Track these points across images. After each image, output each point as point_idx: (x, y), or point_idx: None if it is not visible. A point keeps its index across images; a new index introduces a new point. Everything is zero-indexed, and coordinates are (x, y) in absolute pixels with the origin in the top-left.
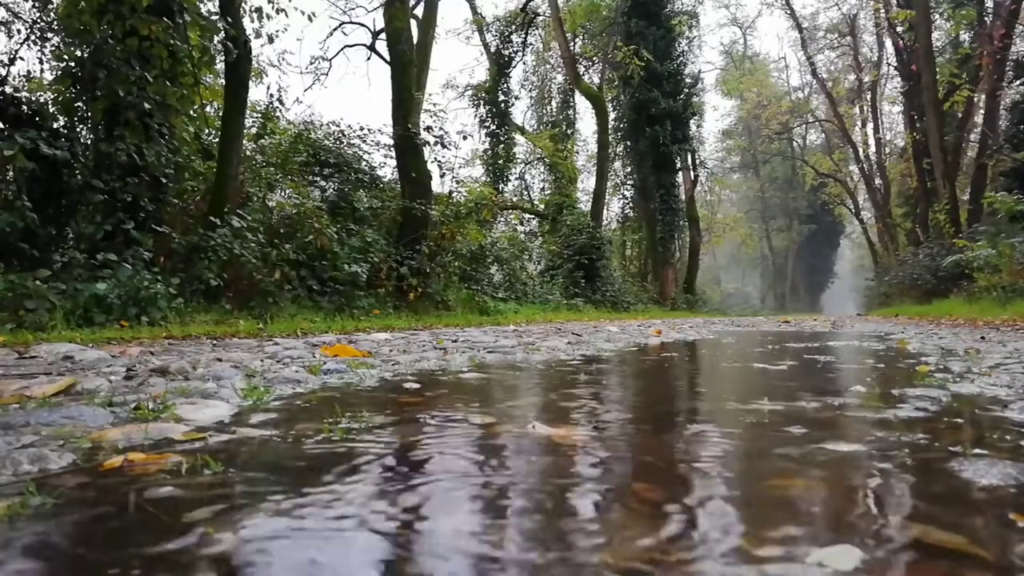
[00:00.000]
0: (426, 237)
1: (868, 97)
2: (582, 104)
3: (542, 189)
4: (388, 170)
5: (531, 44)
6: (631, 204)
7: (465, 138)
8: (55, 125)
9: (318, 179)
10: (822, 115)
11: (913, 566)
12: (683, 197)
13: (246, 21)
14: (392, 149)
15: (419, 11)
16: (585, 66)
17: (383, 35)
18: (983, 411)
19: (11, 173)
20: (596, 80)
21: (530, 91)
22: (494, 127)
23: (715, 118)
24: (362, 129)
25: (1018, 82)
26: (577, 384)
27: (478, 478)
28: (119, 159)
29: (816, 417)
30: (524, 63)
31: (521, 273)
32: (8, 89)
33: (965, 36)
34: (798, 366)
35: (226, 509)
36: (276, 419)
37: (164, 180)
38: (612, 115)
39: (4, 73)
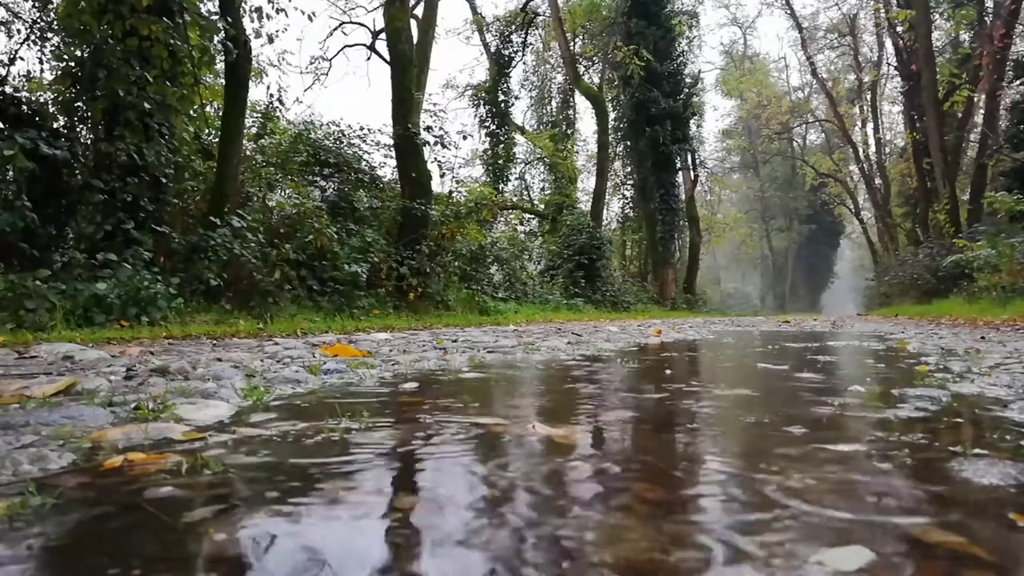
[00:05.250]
0: (426, 237)
1: (868, 97)
2: (582, 104)
3: (542, 189)
4: (388, 170)
5: (531, 44)
6: (631, 204)
7: (465, 138)
8: (55, 125)
9: (318, 179)
10: (822, 115)
11: (913, 566)
12: (683, 197)
13: (246, 21)
14: (392, 149)
15: (419, 11)
16: (585, 66)
17: (383, 35)
18: (983, 411)
19: (11, 173)
20: (596, 80)
21: (530, 91)
22: (494, 127)
23: (715, 118)
24: (362, 129)
25: (1018, 82)
26: (577, 384)
27: (478, 478)
28: (119, 159)
29: (816, 417)
30: (524, 63)
31: (521, 273)
32: (8, 89)
33: (965, 36)
34: (798, 366)
35: (226, 509)
36: (276, 419)
37: (164, 180)
38: (612, 115)
39: (4, 73)
